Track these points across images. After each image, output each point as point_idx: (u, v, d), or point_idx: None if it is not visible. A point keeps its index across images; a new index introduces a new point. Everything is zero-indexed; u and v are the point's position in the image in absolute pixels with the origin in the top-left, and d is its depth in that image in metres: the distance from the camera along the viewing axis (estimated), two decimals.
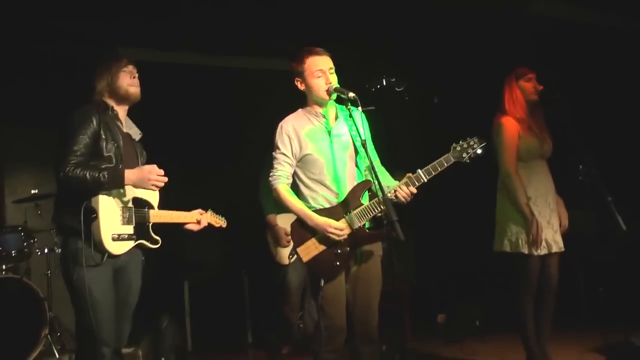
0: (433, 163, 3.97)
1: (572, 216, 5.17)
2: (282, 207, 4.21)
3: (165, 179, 3.88)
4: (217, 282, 7.50)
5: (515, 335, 5.27)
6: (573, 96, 4.91)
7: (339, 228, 3.96)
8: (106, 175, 3.69)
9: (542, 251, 4.96)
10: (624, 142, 7.03)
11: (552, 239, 5.00)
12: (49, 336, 6.08)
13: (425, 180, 3.95)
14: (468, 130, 4.12)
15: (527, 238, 4.96)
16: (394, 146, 7.23)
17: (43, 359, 6.06)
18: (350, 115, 3.98)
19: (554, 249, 4.99)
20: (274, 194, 4.16)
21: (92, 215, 3.69)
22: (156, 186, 3.85)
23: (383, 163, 4.30)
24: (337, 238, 3.96)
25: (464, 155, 4.01)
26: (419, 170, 3.96)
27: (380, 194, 3.74)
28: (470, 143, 4.03)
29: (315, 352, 4.09)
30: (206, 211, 4.33)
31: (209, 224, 4.34)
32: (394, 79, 8.28)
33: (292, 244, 6.32)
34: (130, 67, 4.05)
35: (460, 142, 4.04)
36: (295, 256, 6.28)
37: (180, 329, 7.12)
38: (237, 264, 7.54)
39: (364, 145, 3.86)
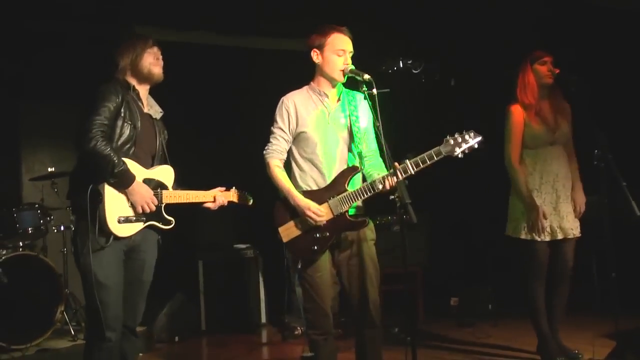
0: (422, 155, 3.84)
1: (586, 202, 5.16)
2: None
3: (154, 209, 3.85)
4: (232, 262, 7.53)
5: (527, 319, 5.28)
6: (588, 79, 4.89)
7: (317, 212, 3.96)
8: (121, 170, 3.68)
9: (547, 237, 5.01)
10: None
11: (558, 225, 5.03)
12: (64, 313, 6.15)
13: (413, 173, 3.83)
14: (483, 114, 4.09)
15: (529, 225, 5.01)
16: (407, 129, 7.28)
17: (58, 335, 6.13)
18: (366, 98, 3.92)
19: (559, 236, 5.02)
20: (267, 168, 4.15)
21: (98, 197, 3.69)
22: (143, 209, 3.81)
23: (395, 146, 4.27)
24: (314, 222, 3.97)
25: (457, 149, 3.84)
26: (407, 161, 3.85)
27: (399, 177, 3.75)
28: (465, 137, 3.86)
29: (307, 334, 4.16)
30: (229, 189, 4.28)
31: (230, 202, 4.27)
32: (410, 61, 8.31)
33: None
34: (155, 49, 4.05)
35: (455, 135, 3.87)
36: None
37: (194, 308, 7.18)
38: (252, 244, 7.55)
39: (378, 129, 3.84)
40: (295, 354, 6.11)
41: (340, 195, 3.99)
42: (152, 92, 4.17)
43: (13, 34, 6.87)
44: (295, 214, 4.04)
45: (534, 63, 5.09)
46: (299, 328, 6.75)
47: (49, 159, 7.50)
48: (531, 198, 5.01)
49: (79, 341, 5.93)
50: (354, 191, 3.98)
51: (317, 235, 4.00)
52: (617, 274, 4.47)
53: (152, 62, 4.00)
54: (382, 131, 3.81)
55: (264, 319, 7.47)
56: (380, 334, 4.18)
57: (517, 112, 5.10)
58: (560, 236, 5.03)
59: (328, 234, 4.00)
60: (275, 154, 4.14)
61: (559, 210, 5.04)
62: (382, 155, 3.99)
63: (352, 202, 3.99)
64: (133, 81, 4.00)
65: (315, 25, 4.20)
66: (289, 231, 4.05)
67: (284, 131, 4.14)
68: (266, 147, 4.17)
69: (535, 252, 5.07)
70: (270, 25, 7.48)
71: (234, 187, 4.33)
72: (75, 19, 6.85)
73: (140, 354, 5.85)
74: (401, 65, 8.33)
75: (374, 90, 3.86)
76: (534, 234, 5.02)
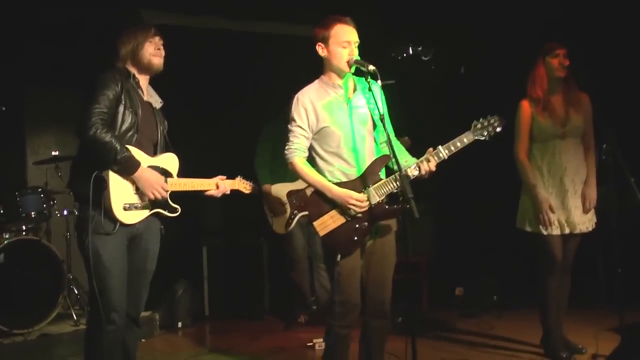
0: (454, 140, 3.94)
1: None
2: (290, 177, 4.12)
3: (166, 195, 3.88)
4: (236, 249, 7.52)
5: (531, 311, 5.29)
6: (598, 72, 4.84)
7: (360, 199, 3.89)
8: (124, 157, 3.68)
9: (555, 231, 4.97)
10: None
11: (565, 219, 4.99)
12: (67, 298, 6.15)
13: (445, 157, 3.92)
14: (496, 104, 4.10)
15: (536, 218, 4.98)
16: (417, 118, 7.23)
17: (61, 320, 6.13)
18: (370, 89, 3.91)
19: (567, 230, 4.98)
20: (290, 167, 4.07)
21: (102, 184, 3.68)
22: (154, 196, 3.82)
23: (406, 135, 4.24)
24: (357, 210, 3.89)
25: (485, 133, 3.98)
26: (440, 147, 3.93)
27: (397, 169, 3.70)
28: (491, 121, 3.99)
29: (329, 325, 4.06)
30: (234, 178, 4.28)
31: (236, 190, 4.29)
32: (420, 48, 8.23)
33: (288, 213, 6.38)
34: (157, 39, 4.00)
35: (481, 120, 4.00)
36: (293, 224, 6.32)
37: (198, 294, 7.19)
38: (257, 231, 7.53)
39: (382, 119, 3.80)
40: (298, 342, 6.11)
41: (376, 185, 3.94)
42: (157, 78, 4.13)
43: (16, 20, 6.82)
44: (331, 206, 3.96)
45: (546, 56, 5.04)
46: (302, 316, 6.74)
47: (53, 143, 7.49)
48: (537, 191, 4.98)
49: (81, 326, 5.91)
50: (389, 179, 3.94)
51: (357, 225, 3.93)
52: (623, 268, 4.44)
53: (153, 52, 3.96)
54: (385, 122, 3.80)
55: (267, 306, 7.46)
56: (389, 326, 4.17)
57: (525, 107, 5.10)
58: (567, 230, 4.99)
59: (367, 223, 3.94)
60: (299, 152, 4.04)
61: (566, 204, 5.00)
62: (390, 144, 3.93)
63: (388, 190, 3.93)
64: (133, 70, 3.97)
65: (324, 10, 4.14)
66: (325, 224, 3.95)
67: (303, 129, 4.04)
68: (287, 147, 4.07)
69: (547, 245, 5.02)
70: (280, 9, 7.40)
71: (239, 177, 4.33)
72: (79, 4, 6.81)
73: (143, 340, 5.87)
74: (411, 52, 8.24)
75: (379, 82, 3.84)
76: (540, 227, 4.99)
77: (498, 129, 4.00)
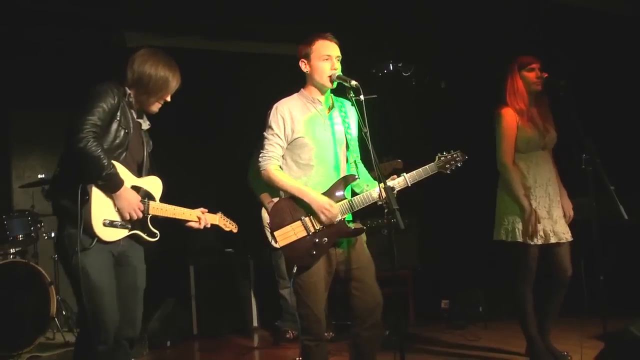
0: (418, 170, 4.11)
1: (574, 204, 5.20)
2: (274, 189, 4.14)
3: (141, 216, 3.77)
4: (223, 266, 7.55)
5: (517, 321, 5.31)
6: (578, 84, 4.92)
7: (332, 212, 3.95)
8: (110, 174, 3.61)
9: (539, 241, 5.03)
10: (629, 130, 7.01)
11: (550, 229, 5.04)
12: (56, 319, 6.16)
13: (409, 185, 4.06)
14: (471, 121, 4.17)
15: (523, 228, 5.02)
16: (397, 131, 7.31)
17: (50, 342, 6.14)
18: (353, 104, 3.97)
19: (553, 240, 5.04)
20: (263, 175, 4.09)
21: (84, 197, 3.59)
22: (130, 216, 3.72)
23: (383, 150, 4.32)
24: (324, 219, 3.94)
25: (447, 166, 4.17)
26: (404, 175, 4.07)
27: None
28: (454, 156, 4.21)
29: (300, 340, 4.12)
30: (216, 213, 4.21)
31: (216, 225, 4.21)
32: (401, 64, 8.33)
33: None
34: (167, 98, 3.95)
35: (445, 154, 4.19)
36: None
37: (186, 313, 7.20)
38: (243, 248, 7.56)
39: (365, 135, 3.84)
40: (286, 358, 6.13)
41: (339, 203, 4.01)
42: None
43: (5, 41, 6.86)
44: (292, 218, 4.01)
45: (522, 70, 5.09)
46: (290, 332, 6.76)
47: (39, 166, 7.51)
48: (526, 200, 5.02)
49: (70, 348, 5.91)
50: (353, 200, 4.03)
51: (316, 240, 3.98)
52: (605, 275, 4.51)
53: (155, 106, 3.95)
54: (369, 137, 3.83)
55: (255, 323, 7.49)
56: (380, 335, 4.21)
57: (508, 115, 5.09)
58: (553, 240, 5.04)
59: (327, 239, 3.99)
60: (273, 160, 4.07)
61: (552, 214, 5.06)
62: (369, 162, 4.02)
63: (350, 210, 4.03)
64: (130, 90, 3.89)
65: (303, 29, 4.21)
66: (285, 235, 3.98)
67: (279, 137, 4.08)
68: (262, 154, 4.10)
69: (527, 256, 5.08)
70: (261, 28, 7.46)
71: (220, 213, 4.27)
72: (66, 26, 6.85)
73: None
74: (391, 68, 8.34)
75: (362, 97, 3.86)
76: (527, 238, 5.03)
77: (459, 164, 4.20)
